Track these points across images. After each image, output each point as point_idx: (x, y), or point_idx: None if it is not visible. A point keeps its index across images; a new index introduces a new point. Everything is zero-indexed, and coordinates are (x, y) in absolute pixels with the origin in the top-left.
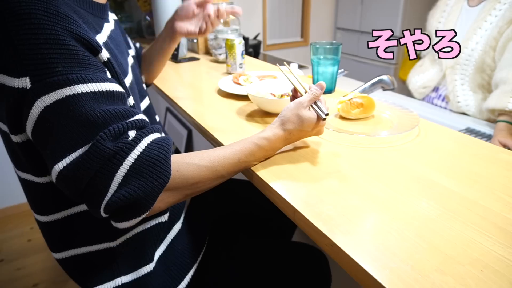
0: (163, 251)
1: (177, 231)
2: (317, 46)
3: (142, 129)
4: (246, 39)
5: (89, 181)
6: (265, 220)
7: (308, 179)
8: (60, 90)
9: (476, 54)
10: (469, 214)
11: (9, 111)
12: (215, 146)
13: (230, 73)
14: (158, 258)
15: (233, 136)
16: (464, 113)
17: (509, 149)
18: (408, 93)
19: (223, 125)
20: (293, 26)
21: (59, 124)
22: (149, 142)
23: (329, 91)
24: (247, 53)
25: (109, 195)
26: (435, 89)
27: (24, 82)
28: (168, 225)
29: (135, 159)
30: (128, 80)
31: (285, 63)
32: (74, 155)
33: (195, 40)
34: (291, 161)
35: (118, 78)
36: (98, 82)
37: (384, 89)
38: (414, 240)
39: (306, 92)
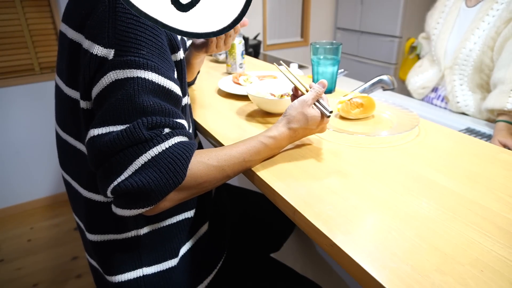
0: (188, 249)
1: (203, 233)
2: (317, 46)
3: (177, 129)
4: (246, 39)
5: (111, 157)
6: (266, 223)
7: (308, 179)
8: (135, 70)
9: (474, 54)
10: (469, 214)
11: (85, 76)
12: (215, 146)
13: (230, 73)
14: (183, 255)
15: (233, 136)
16: (463, 113)
17: (509, 149)
18: (408, 93)
19: (223, 125)
20: (293, 26)
21: (117, 97)
22: (177, 142)
23: (329, 91)
24: (247, 53)
25: (122, 177)
26: (434, 89)
27: (108, 53)
28: (196, 224)
29: (159, 151)
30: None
31: (281, 62)
32: (112, 128)
33: None
34: (291, 161)
35: (183, 77)
36: (166, 78)
37: (384, 89)
38: (414, 240)
39: (307, 91)
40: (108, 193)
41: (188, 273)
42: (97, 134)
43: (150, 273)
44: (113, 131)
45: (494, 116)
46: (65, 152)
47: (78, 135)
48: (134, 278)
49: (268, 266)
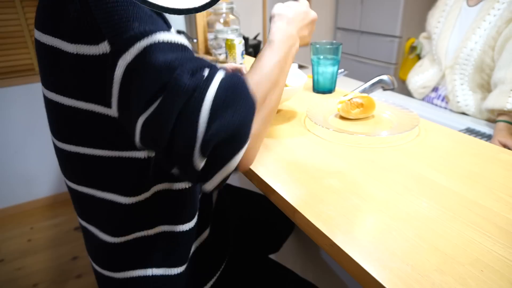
0: (191, 255)
1: (204, 239)
2: (317, 46)
3: (214, 67)
4: (246, 39)
5: (175, 124)
6: (266, 224)
7: (308, 179)
8: (138, 43)
9: (475, 54)
10: (469, 214)
11: (96, 81)
12: None
13: None
14: (188, 260)
15: None
16: (464, 113)
17: (509, 149)
18: (408, 93)
19: None
20: None
21: (141, 77)
22: (223, 75)
23: (329, 91)
24: (247, 53)
25: (202, 130)
26: (435, 89)
27: (104, 47)
28: (197, 232)
29: (216, 89)
30: None
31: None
32: (155, 104)
33: (195, 40)
34: (291, 161)
35: None
36: (173, 35)
37: (384, 89)
38: (414, 240)
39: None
40: (197, 160)
41: (190, 277)
42: (145, 118)
43: (159, 274)
44: (158, 103)
45: (494, 116)
46: (65, 160)
47: (81, 141)
48: (142, 276)
49: (269, 270)
